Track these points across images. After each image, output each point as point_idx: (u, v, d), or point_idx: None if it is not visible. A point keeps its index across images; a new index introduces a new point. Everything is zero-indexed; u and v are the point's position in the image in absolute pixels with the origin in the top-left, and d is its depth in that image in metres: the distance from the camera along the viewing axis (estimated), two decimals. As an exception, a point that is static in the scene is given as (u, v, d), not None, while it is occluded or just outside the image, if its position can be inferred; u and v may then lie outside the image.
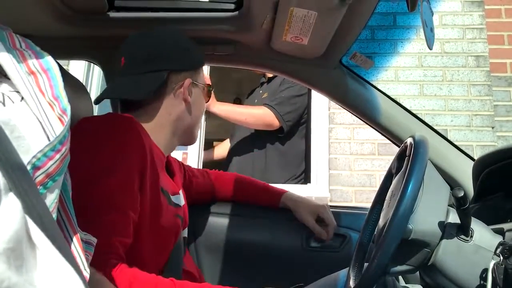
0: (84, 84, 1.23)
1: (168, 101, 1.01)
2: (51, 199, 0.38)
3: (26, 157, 0.35)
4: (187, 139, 1.10)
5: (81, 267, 0.42)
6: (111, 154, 0.84)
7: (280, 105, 2.21)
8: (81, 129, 0.87)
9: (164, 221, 0.93)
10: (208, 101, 1.14)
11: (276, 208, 1.30)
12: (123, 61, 1.00)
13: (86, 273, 0.42)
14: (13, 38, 0.42)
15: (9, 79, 0.39)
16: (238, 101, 4.33)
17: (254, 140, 2.30)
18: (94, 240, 0.54)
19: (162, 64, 0.99)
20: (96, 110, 2.89)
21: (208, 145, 2.79)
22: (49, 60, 0.42)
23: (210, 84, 1.15)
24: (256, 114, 2.23)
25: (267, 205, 1.31)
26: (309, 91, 2.50)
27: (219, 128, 3.30)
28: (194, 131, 1.10)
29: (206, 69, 2.65)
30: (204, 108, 1.13)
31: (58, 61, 1.05)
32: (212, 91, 1.24)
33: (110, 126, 0.88)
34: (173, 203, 0.98)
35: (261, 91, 2.44)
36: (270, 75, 2.38)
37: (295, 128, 2.31)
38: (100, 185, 0.79)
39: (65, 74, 1.04)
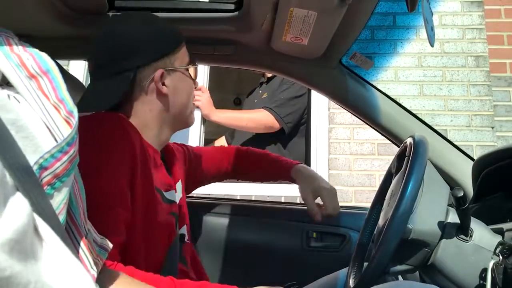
0: (84, 84, 1.23)
1: (144, 99, 0.96)
2: (59, 199, 0.38)
3: (33, 158, 0.35)
4: (181, 125, 1.05)
5: (88, 267, 0.42)
6: (99, 155, 0.83)
7: (280, 107, 2.21)
8: None
9: (158, 220, 0.92)
10: (195, 78, 1.07)
11: (289, 179, 1.24)
12: (90, 66, 0.97)
13: (93, 272, 0.43)
14: (10, 41, 0.42)
15: (11, 85, 0.39)
16: (238, 100, 4.33)
17: (257, 141, 2.31)
18: (109, 245, 0.53)
19: (126, 62, 0.94)
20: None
21: (209, 145, 2.79)
22: (47, 61, 0.42)
23: (192, 60, 1.05)
24: (256, 118, 2.23)
25: (279, 178, 1.28)
26: (309, 91, 2.50)
27: (219, 127, 3.29)
28: (184, 117, 1.04)
29: (206, 69, 2.65)
30: (189, 89, 1.04)
31: (58, 61, 1.05)
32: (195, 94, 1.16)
33: (98, 126, 0.87)
34: (166, 199, 0.98)
35: (260, 91, 2.45)
36: (269, 75, 2.38)
37: (296, 128, 2.31)
38: (90, 187, 0.79)
39: (65, 74, 1.04)
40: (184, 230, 1.07)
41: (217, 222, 1.35)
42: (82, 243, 0.43)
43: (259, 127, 2.23)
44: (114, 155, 0.83)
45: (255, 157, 1.31)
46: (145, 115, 0.96)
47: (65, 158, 0.38)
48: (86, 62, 2.72)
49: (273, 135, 2.26)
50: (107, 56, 0.95)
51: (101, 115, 0.91)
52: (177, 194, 1.05)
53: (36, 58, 0.41)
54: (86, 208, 0.46)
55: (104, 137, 0.85)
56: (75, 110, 0.41)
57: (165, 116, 0.99)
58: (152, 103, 0.97)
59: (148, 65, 0.95)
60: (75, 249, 0.41)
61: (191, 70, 1.04)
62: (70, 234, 0.42)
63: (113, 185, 0.81)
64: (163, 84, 0.97)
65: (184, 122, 1.05)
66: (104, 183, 0.80)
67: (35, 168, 0.35)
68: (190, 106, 1.05)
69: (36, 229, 0.31)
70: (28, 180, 0.32)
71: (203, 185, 1.31)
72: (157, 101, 0.97)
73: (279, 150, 2.27)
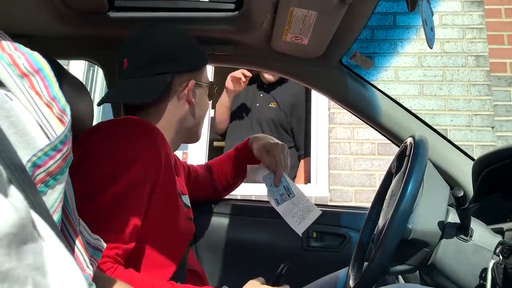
0: (84, 84, 1.23)
1: (172, 103, 1.01)
2: (54, 197, 0.38)
3: (25, 155, 0.35)
4: (191, 138, 1.10)
5: (84, 265, 0.42)
6: (121, 161, 0.83)
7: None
8: (98, 134, 0.87)
9: (179, 225, 0.93)
10: (211, 99, 1.14)
11: (249, 149, 1.26)
12: (126, 63, 0.99)
13: (89, 271, 0.42)
14: (1, 41, 0.41)
15: (3, 85, 0.39)
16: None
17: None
18: (103, 245, 0.53)
19: (166, 66, 0.98)
20: (96, 110, 2.89)
21: (209, 145, 2.80)
22: (39, 59, 0.41)
23: (214, 82, 1.15)
24: None
25: (244, 156, 1.27)
26: (309, 91, 2.51)
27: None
28: (197, 130, 1.10)
29: (210, 69, 2.67)
30: (207, 107, 1.12)
31: (58, 61, 1.05)
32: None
33: (125, 131, 0.87)
34: (185, 204, 0.99)
35: (262, 95, 2.51)
36: (271, 79, 2.46)
37: None
38: (109, 192, 0.79)
39: (65, 74, 1.04)
40: None
41: (217, 222, 1.34)
42: (77, 242, 0.42)
43: None
44: (137, 165, 0.83)
45: (222, 158, 1.32)
46: (168, 120, 1.00)
47: (58, 156, 0.38)
48: (86, 62, 2.68)
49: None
50: (148, 57, 0.98)
51: (130, 122, 0.90)
52: (189, 201, 1.06)
53: (28, 57, 0.40)
54: (76, 208, 0.46)
55: (129, 145, 0.85)
56: (67, 108, 0.40)
57: (183, 125, 1.03)
58: (178, 109, 1.01)
59: (184, 73, 1.01)
60: (71, 248, 0.41)
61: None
62: (65, 233, 0.42)
63: (131, 195, 0.81)
64: (193, 95, 1.03)
65: (196, 136, 1.11)
66: (122, 192, 0.80)
67: (28, 166, 0.35)
68: (202, 123, 1.11)
69: (33, 225, 0.31)
70: (21, 176, 0.32)
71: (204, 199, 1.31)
72: (183, 108, 1.02)
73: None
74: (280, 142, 1.23)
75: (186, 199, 1.02)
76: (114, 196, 0.79)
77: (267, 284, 0.90)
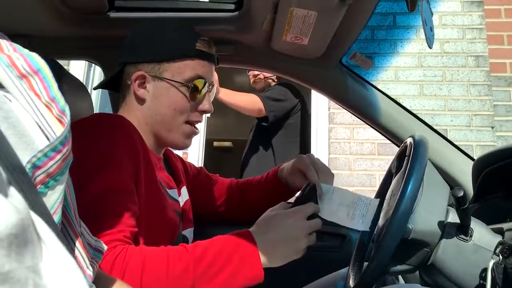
0: (84, 84, 1.23)
1: (127, 98, 0.99)
2: (54, 198, 0.38)
3: (24, 156, 0.35)
4: (163, 140, 0.99)
5: (84, 266, 0.42)
6: (102, 154, 0.83)
7: (267, 98, 2.39)
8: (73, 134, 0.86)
9: (162, 214, 0.93)
10: (195, 100, 0.98)
11: (277, 176, 1.14)
12: None
13: (89, 272, 0.42)
14: (0, 43, 0.41)
15: (2, 86, 0.39)
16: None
17: (257, 145, 2.45)
18: (104, 247, 0.53)
19: (122, 56, 0.99)
20: (98, 110, 2.88)
21: (208, 145, 2.80)
22: (38, 60, 0.41)
23: (189, 80, 0.96)
24: (249, 100, 2.38)
25: (274, 180, 1.15)
26: (309, 91, 2.51)
27: (219, 128, 3.30)
28: (165, 130, 0.97)
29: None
30: (177, 105, 0.96)
31: (58, 61, 1.05)
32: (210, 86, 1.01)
33: (96, 126, 0.87)
34: (170, 196, 0.98)
35: None
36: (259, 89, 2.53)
37: (279, 124, 2.41)
38: (97, 183, 0.79)
39: (65, 74, 1.04)
40: (187, 232, 1.07)
41: (217, 222, 1.34)
42: (77, 243, 0.43)
43: (250, 108, 2.35)
44: (117, 153, 0.84)
45: (253, 178, 1.24)
46: (129, 115, 0.95)
47: (58, 157, 0.38)
48: (86, 62, 2.69)
49: (266, 140, 2.38)
50: (122, 48, 1.00)
51: (99, 116, 0.91)
52: (182, 197, 1.06)
53: (27, 58, 0.40)
54: (77, 209, 0.46)
55: (105, 136, 0.86)
56: (67, 109, 0.40)
57: (148, 124, 0.97)
58: (132, 104, 0.98)
59: (134, 64, 0.97)
60: (71, 249, 0.41)
61: (202, 90, 0.98)
62: (65, 234, 0.42)
63: (120, 182, 0.82)
64: (144, 88, 0.96)
65: (166, 139, 0.98)
66: (112, 180, 0.81)
67: (28, 167, 0.35)
68: (175, 124, 0.97)
69: (34, 226, 0.31)
70: (21, 177, 0.32)
71: (210, 212, 1.24)
72: (136, 103, 0.97)
73: (263, 146, 2.41)
74: (302, 155, 1.10)
75: (173, 192, 1.01)
76: (105, 187, 0.79)
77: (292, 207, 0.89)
